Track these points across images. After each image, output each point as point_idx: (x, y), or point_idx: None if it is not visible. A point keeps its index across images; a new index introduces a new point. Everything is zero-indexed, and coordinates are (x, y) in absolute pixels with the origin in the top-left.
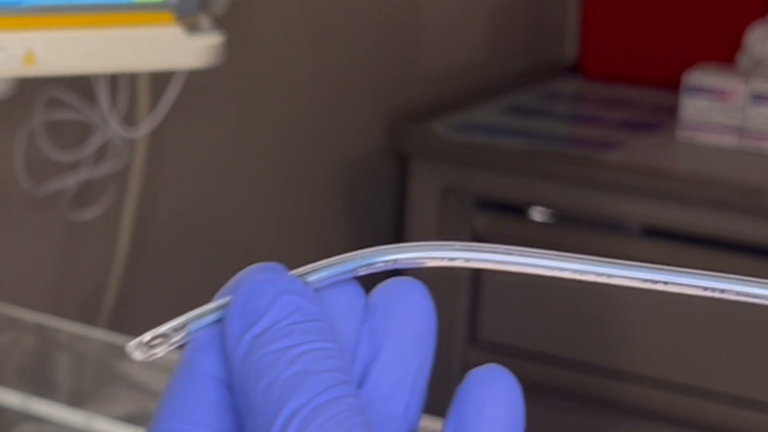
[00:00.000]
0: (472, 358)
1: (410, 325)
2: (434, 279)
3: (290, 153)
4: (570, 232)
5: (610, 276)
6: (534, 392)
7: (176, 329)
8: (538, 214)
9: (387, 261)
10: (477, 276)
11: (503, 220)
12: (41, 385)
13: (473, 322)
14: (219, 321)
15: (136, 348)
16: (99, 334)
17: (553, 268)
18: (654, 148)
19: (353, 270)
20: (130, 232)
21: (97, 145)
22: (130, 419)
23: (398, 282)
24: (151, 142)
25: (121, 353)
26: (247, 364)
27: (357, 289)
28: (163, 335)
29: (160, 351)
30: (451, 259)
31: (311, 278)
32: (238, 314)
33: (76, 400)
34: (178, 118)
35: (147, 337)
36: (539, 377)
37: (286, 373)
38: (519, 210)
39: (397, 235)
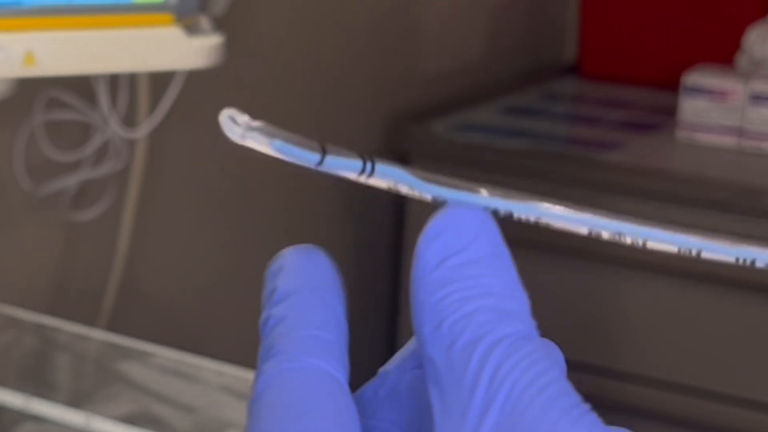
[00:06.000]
0: None
1: None
2: None
3: None
4: (570, 233)
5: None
6: None
7: (267, 133)
8: None
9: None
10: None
11: (503, 221)
12: (41, 385)
13: None
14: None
15: (230, 117)
16: (99, 334)
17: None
18: (653, 149)
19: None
20: (130, 232)
21: (97, 146)
22: (130, 419)
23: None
24: (151, 142)
25: (121, 353)
26: (444, 290)
27: None
28: (256, 128)
29: (247, 138)
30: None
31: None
32: (436, 239)
33: (76, 400)
34: (178, 118)
35: (244, 117)
36: None
37: (487, 304)
38: None
39: (397, 235)
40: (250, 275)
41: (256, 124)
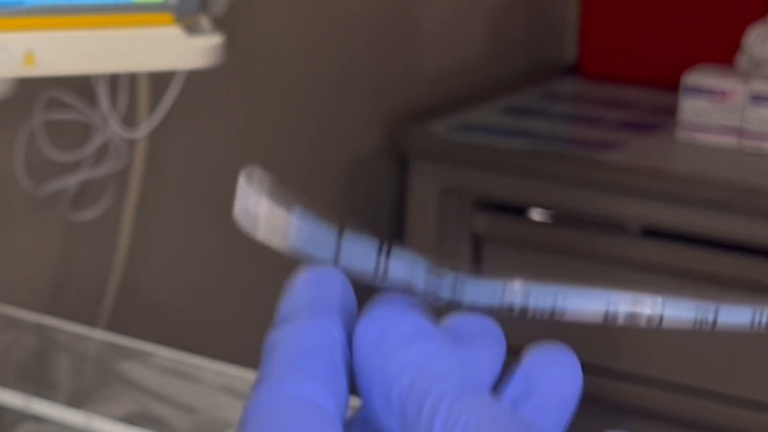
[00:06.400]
0: None
1: (561, 385)
2: None
3: (290, 153)
4: (570, 233)
5: None
6: None
7: (285, 217)
8: (537, 214)
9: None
10: (477, 275)
11: (503, 221)
12: (41, 385)
13: None
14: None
15: (247, 183)
16: (99, 334)
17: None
18: (653, 149)
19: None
20: (130, 232)
21: (97, 146)
22: (130, 419)
23: (555, 348)
24: (151, 142)
25: (121, 353)
26: (386, 363)
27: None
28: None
29: (258, 219)
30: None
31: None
32: (373, 324)
33: (76, 400)
34: (178, 118)
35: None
36: None
37: (429, 366)
38: (519, 210)
39: (397, 235)
40: (250, 275)
41: (277, 196)
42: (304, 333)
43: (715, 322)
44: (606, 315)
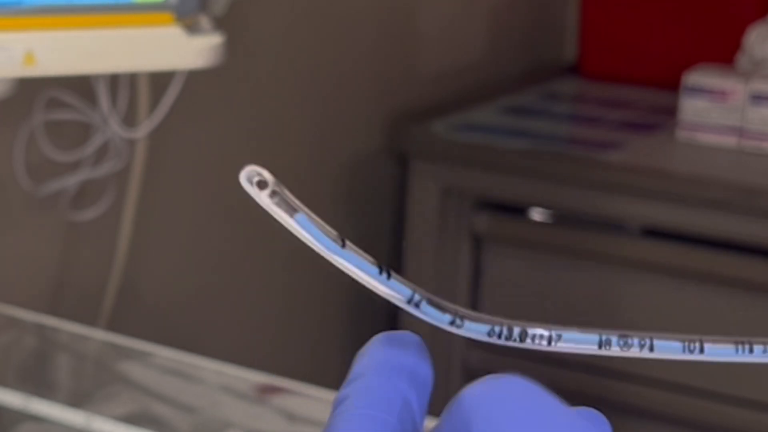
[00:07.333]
0: (472, 358)
1: None
2: (435, 278)
3: (290, 153)
4: (570, 233)
5: None
6: None
7: (289, 205)
8: (537, 214)
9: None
10: (477, 275)
11: (503, 221)
12: (41, 385)
13: None
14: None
15: (247, 177)
16: (99, 334)
17: None
18: (654, 149)
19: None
20: (130, 232)
21: (97, 145)
22: (130, 419)
23: (587, 414)
24: (151, 142)
25: (121, 353)
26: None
27: None
28: (276, 191)
29: (263, 196)
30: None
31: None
32: None
33: (76, 400)
34: (178, 118)
35: (266, 176)
36: (539, 377)
37: None
38: (519, 210)
39: (398, 235)
40: (250, 275)
41: (281, 192)
42: (371, 388)
43: (701, 349)
44: (600, 342)
